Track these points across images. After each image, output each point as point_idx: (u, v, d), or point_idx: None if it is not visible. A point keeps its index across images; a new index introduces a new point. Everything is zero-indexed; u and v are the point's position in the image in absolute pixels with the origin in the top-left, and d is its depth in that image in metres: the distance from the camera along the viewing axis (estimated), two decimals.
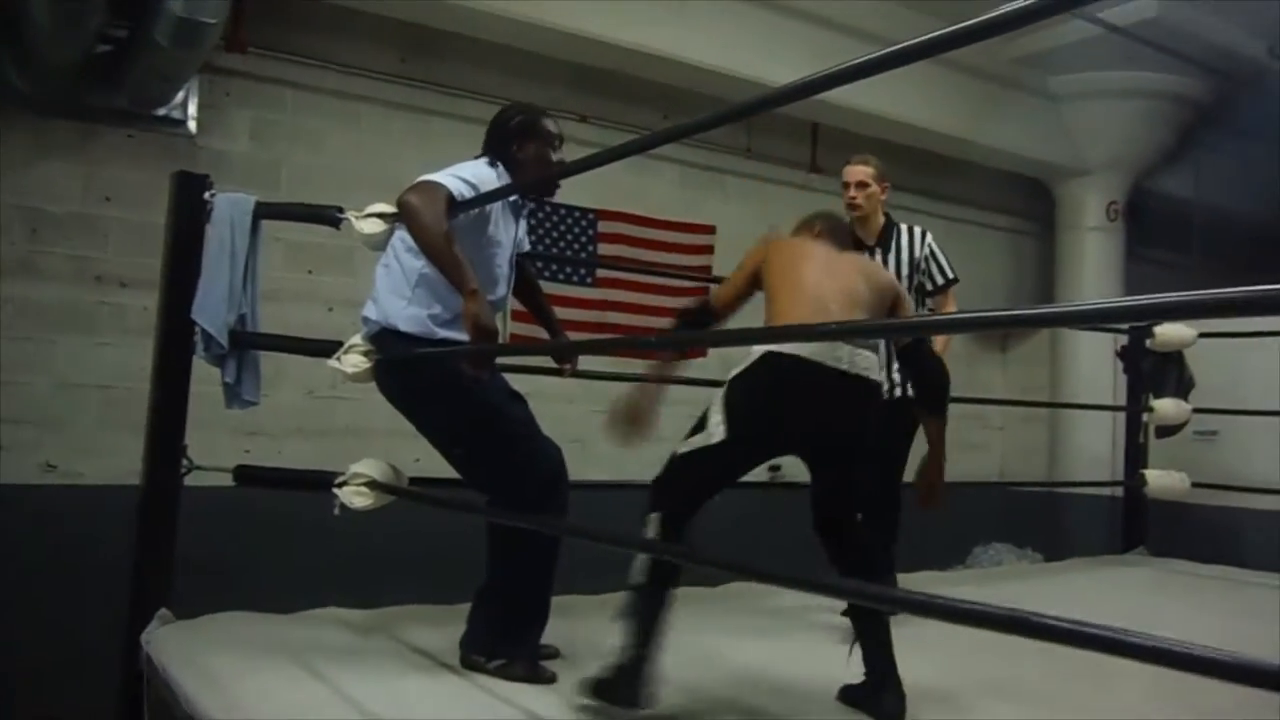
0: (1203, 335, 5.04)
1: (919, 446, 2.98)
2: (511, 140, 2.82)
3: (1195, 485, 5.10)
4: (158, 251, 3.07)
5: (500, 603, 2.68)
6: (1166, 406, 5.12)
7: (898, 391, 3.51)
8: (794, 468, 2.60)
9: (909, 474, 3.11)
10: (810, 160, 6.87)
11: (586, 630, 2.83)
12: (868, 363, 2.42)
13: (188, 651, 2.63)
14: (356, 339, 2.82)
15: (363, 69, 5.27)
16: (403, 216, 2.62)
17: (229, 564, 4.00)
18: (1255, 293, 0.99)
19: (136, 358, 3.66)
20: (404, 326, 2.69)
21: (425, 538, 4.00)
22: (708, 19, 5.55)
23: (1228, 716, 2.15)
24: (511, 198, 2.83)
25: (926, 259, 3.69)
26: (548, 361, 3.24)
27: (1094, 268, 7.49)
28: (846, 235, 2.90)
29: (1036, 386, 7.63)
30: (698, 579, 3.39)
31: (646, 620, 2.28)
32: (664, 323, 6.07)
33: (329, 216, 3.07)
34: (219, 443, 3.47)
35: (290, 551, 4.31)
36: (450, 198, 2.56)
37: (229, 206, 3.04)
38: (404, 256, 2.73)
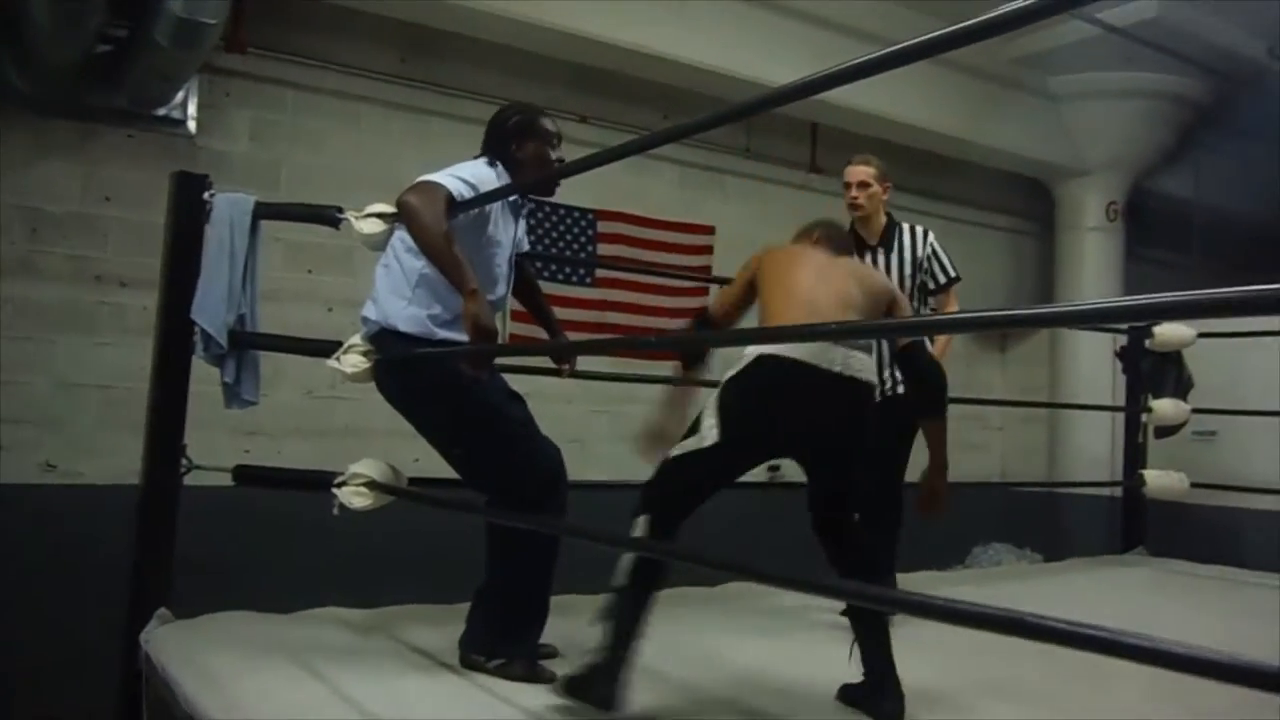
0: (1202, 335, 5.04)
1: (921, 448, 2.98)
2: (510, 140, 2.82)
3: (1194, 485, 5.10)
4: (157, 251, 3.07)
5: (500, 602, 2.68)
6: (1165, 407, 5.12)
7: (892, 389, 3.50)
8: (793, 467, 2.59)
9: (912, 474, 3.11)
10: (810, 160, 6.87)
11: (586, 630, 2.82)
12: (862, 365, 2.42)
13: (187, 651, 2.63)
14: (356, 339, 2.82)
15: (362, 69, 5.28)
16: (402, 217, 2.63)
17: (228, 564, 4.00)
18: (1252, 292, 0.99)
19: (136, 357, 3.66)
20: (403, 327, 2.69)
21: (424, 537, 4.00)
22: (707, 19, 5.55)
23: (1226, 717, 2.15)
24: (511, 197, 2.83)
25: (929, 258, 3.70)
26: (547, 362, 3.24)
27: (1094, 268, 7.50)
28: (846, 242, 2.90)
29: (1036, 387, 7.64)
30: (698, 579, 3.39)
31: (626, 622, 2.28)
32: (663, 323, 6.10)
33: (328, 217, 3.07)
34: (218, 442, 3.47)
35: (289, 551, 4.31)
36: (450, 198, 2.56)
37: (228, 206, 3.04)
38: (404, 257, 2.73)
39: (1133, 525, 5.37)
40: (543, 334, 3.27)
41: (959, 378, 6.91)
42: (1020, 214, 8.11)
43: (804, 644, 3.06)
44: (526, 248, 3.10)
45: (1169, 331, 5.06)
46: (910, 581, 3.93)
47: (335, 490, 2.81)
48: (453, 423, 2.70)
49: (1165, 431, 5.29)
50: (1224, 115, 7.09)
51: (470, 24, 5.14)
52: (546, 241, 5.79)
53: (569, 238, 5.91)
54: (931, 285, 3.73)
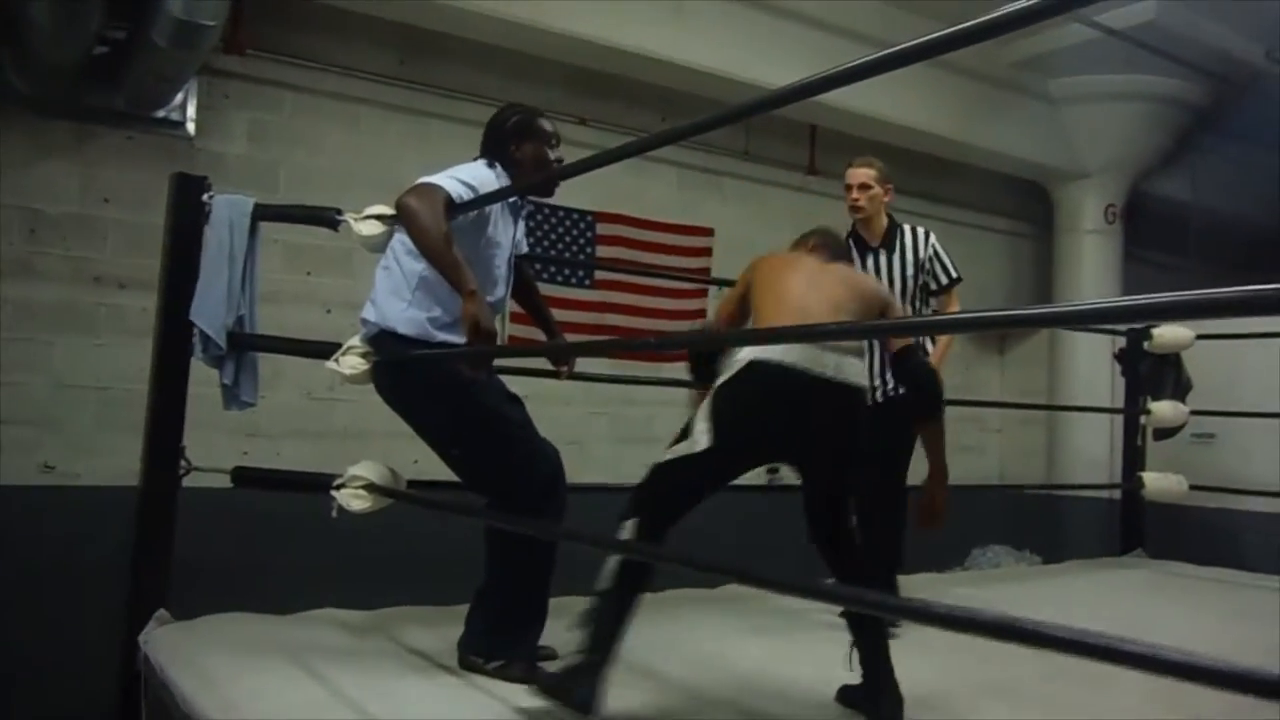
0: (1200, 337, 5.05)
1: (921, 453, 2.98)
2: (509, 140, 2.82)
3: (1193, 488, 5.10)
4: (156, 253, 3.08)
5: (498, 604, 2.68)
6: (1164, 409, 5.13)
7: (894, 390, 3.50)
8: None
9: (914, 477, 3.11)
10: (808, 162, 6.87)
11: (574, 633, 2.82)
12: (854, 370, 2.42)
13: (185, 652, 2.63)
14: (355, 341, 2.81)
15: (361, 71, 5.28)
16: (401, 219, 2.63)
17: (227, 565, 3.99)
18: (1248, 293, 0.99)
19: (135, 359, 3.66)
20: (402, 329, 2.69)
21: (423, 539, 4.00)
22: (706, 22, 5.56)
23: (1224, 718, 2.15)
24: (510, 198, 2.83)
25: (931, 259, 3.71)
26: (545, 363, 3.24)
27: (1092, 270, 7.50)
28: (841, 249, 2.90)
29: (1035, 389, 7.64)
30: (698, 580, 3.39)
31: (609, 625, 2.26)
32: (662, 325, 6.10)
33: (327, 218, 3.07)
34: (217, 444, 3.47)
35: (288, 553, 4.31)
36: (449, 200, 2.56)
37: (227, 208, 3.04)
38: (404, 259, 2.73)
39: (1131, 527, 5.37)
40: (541, 336, 3.27)
41: (958, 380, 6.94)
42: (1018, 216, 8.11)
43: (804, 645, 3.06)
44: (525, 249, 3.10)
45: (1168, 333, 5.07)
46: (910, 583, 3.94)
47: (334, 492, 2.80)
48: (451, 424, 2.70)
49: (1164, 434, 5.30)
50: (1222, 118, 7.10)
51: (468, 26, 5.14)
52: (545, 243, 5.79)
53: (568, 239, 5.92)
54: (934, 286, 3.74)
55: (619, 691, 2.39)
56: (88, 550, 3.97)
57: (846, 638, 2.45)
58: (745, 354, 2.39)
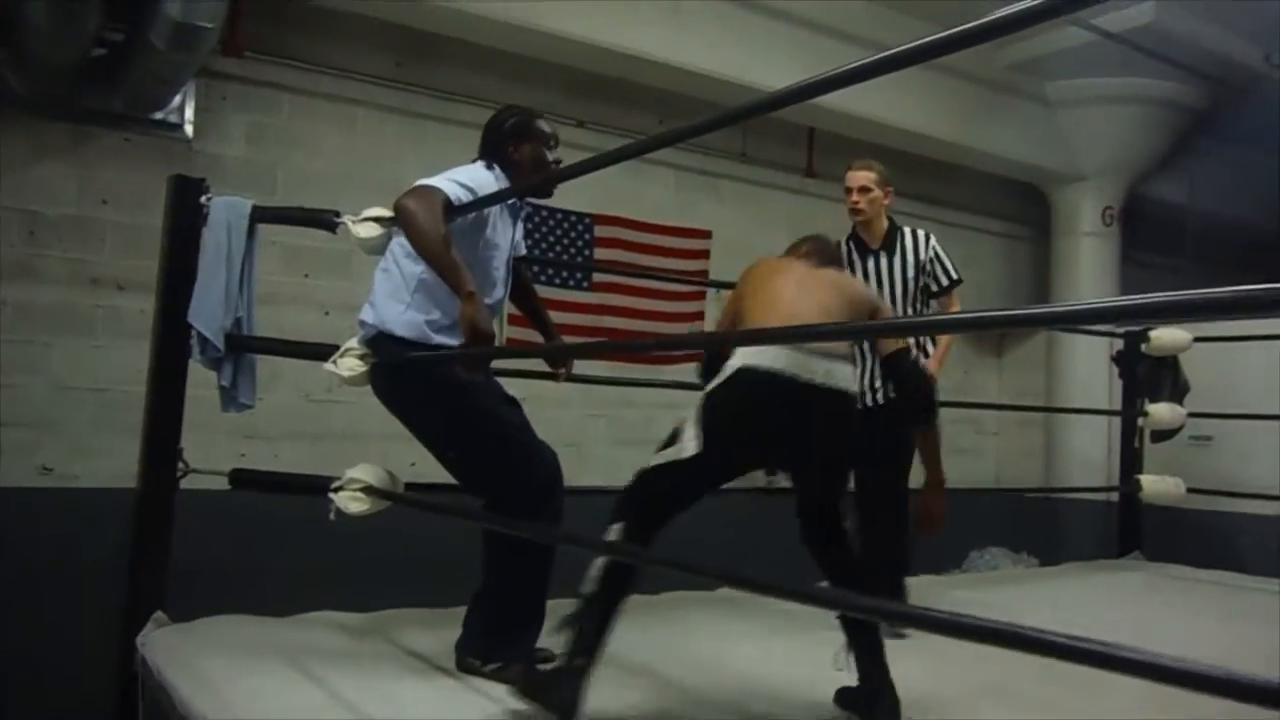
0: (1198, 339, 5.05)
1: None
2: (507, 141, 2.82)
3: (1190, 490, 5.10)
4: (154, 254, 3.07)
5: (496, 606, 2.68)
6: (1161, 411, 5.13)
7: (878, 398, 3.49)
8: None
9: (914, 479, 3.11)
10: (806, 165, 6.88)
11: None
12: (844, 376, 2.42)
13: (183, 654, 2.63)
14: (352, 343, 2.81)
15: (358, 73, 5.28)
16: (399, 221, 2.63)
17: (224, 567, 3.99)
18: (1244, 293, 0.99)
19: (133, 360, 3.65)
20: (400, 331, 2.69)
21: (421, 541, 3.99)
22: (703, 24, 5.56)
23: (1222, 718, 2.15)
24: (509, 200, 2.83)
25: (931, 261, 3.71)
26: (543, 365, 3.24)
27: (1089, 273, 7.51)
28: (832, 255, 2.91)
29: (1032, 391, 7.64)
30: (696, 583, 3.40)
31: (593, 630, 2.25)
32: (660, 327, 6.10)
33: (325, 220, 3.08)
34: (215, 446, 3.46)
35: (286, 555, 4.30)
36: (447, 202, 2.56)
37: (225, 210, 3.04)
38: (403, 261, 2.73)
39: (1129, 530, 5.37)
40: (539, 338, 3.27)
41: (955, 382, 6.95)
42: (1016, 219, 8.12)
43: (801, 647, 3.05)
44: (524, 251, 3.10)
45: (1165, 335, 5.07)
46: (908, 585, 3.93)
47: (332, 495, 2.80)
48: (448, 427, 2.70)
49: (1161, 436, 5.30)
50: (1220, 121, 7.11)
51: (466, 28, 5.14)
52: (544, 245, 5.79)
53: (566, 242, 5.92)
54: (934, 288, 3.74)
55: (616, 692, 2.40)
56: (86, 552, 3.96)
57: (843, 639, 2.45)
58: (734, 360, 2.39)
